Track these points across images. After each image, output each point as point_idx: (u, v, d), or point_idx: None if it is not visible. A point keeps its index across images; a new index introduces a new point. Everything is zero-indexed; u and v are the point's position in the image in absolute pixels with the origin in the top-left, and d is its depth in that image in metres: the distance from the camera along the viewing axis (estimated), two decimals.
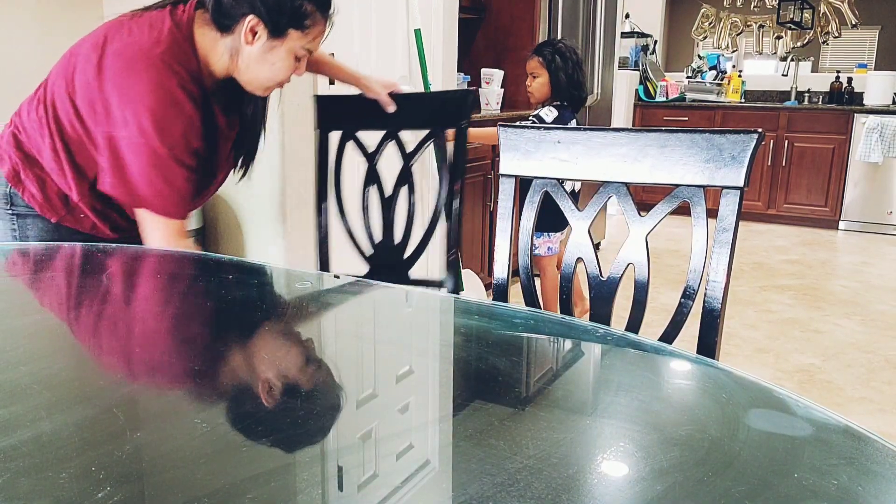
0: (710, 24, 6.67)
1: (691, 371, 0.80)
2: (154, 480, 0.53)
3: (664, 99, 6.14)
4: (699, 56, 6.68)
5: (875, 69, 6.15)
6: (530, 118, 2.75)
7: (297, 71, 1.36)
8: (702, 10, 6.68)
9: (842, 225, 5.55)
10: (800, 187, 5.54)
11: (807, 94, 5.94)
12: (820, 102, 5.81)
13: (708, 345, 1.07)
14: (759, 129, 1.06)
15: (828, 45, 6.55)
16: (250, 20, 1.26)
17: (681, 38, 7.23)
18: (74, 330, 0.87)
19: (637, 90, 6.17)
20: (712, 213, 1.03)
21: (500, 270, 1.27)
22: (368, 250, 1.62)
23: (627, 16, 5.99)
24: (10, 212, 1.34)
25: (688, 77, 6.43)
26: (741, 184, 1.05)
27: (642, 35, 6.13)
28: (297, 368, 0.78)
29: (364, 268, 1.61)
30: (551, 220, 2.32)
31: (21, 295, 1.00)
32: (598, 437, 0.63)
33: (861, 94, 5.73)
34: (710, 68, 6.41)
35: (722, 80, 6.24)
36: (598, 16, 4.07)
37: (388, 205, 1.60)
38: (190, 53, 1.28)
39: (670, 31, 7.30)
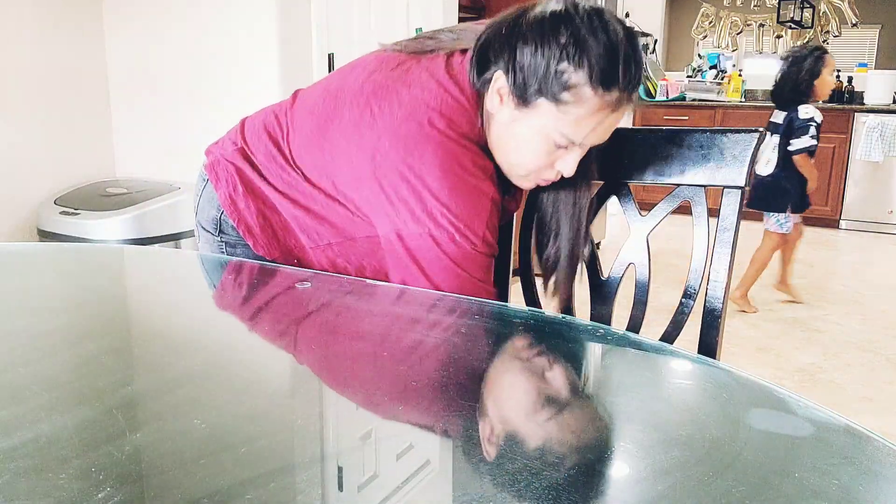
0: (710, 23, 6.66)
1: (691, 370, 0.80)
2: (154, 481, 0.53)
3: (664, 98, 6.14)
4: (699, 55, 6.68)
5: (875, 68, 6.15)
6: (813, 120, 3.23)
7: (561, 164, 0.98)
8: (702, 10, 6.67)
9: (843, 224, 5.55)
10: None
11: None
12: (820, 101, 5.80)
13: (709, 344, 1.07)
14: (760, 128, 1.06)
15: (828, 44, 6.54)
16: (498, 79, 0.95)
17: (681, 38, 7.23)
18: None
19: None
20: (713, 212, 1.03)
21: (501, 270, 1.27)
22: None
23: (627, 15, 5.99)
24: (219, 239, 1.17)
25: (688, 76, 6.44)
26: (742, 183, 1.05)
27: (642, 34, 6.13)
28: (296, 368, 0.78)
29: None
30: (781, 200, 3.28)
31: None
32: (598, 437, 0.63)
33: (861, 93, 5.73)
34: (711, 67, 6.41)
35: (722, 79, 6.24)
36: None
37: None
38: (476, 121, 0.99)
39: (670, 31, 7.30)
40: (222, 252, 1.18)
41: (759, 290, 3.80)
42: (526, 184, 1.05)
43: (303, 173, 1.08)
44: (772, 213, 3.37)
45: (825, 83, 3.27)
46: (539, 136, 0.95)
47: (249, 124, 1.18)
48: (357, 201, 1.03)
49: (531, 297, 1.26)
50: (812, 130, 3.24)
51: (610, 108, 0.93)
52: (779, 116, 3.36)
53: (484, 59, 0.97)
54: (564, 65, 0.89)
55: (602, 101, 0.91)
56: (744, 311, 3.47)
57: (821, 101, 3.47)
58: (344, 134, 1.01)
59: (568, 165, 0.98)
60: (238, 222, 1.13)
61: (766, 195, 3.37)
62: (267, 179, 1.11)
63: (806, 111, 3.25)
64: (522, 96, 0.93)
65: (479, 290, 1.01)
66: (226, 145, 1.18)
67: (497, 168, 1.02)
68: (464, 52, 1.02)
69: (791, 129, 3.27)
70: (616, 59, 0.89)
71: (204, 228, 1.21)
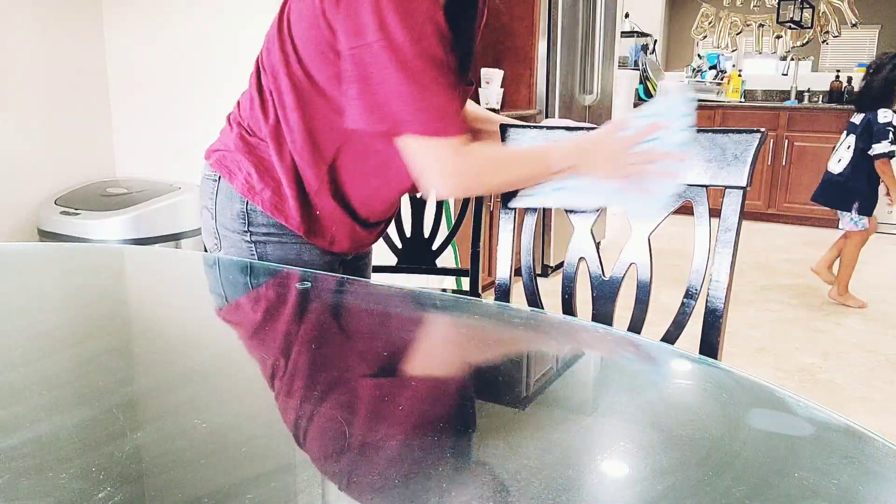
0: (709, 23, 6.66)
1: (692, 371, 0.80)
2: (154, 480, 0.53)
3: None
4: (699, 55, 6.68)
5: None
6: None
7: None
8: (702, 10, 6.67)
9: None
10: (800, 186, 5.54)
11: (807, 94, 5.94)
12: (820, 102, 5.80)
13: (710, 344, 1.07)
14: (762, 129, 1.06)
15: (828, 44, 6.55)
16: None
17: (681, 38, 7.23)
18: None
19: (637, 89, 6.17)
20: (714, 212, 1.03)
21: (503, 270, 1.27)
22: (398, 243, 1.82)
23: (627, 15, 5.99)
24: (247, 236, 1.16)
25: (688, 76, 6.43)
26: (744, 183, 1.05)
27: (642, 34, 6.13)
28: (295, 368, 0.78)
29: (393, 259, 1.80)
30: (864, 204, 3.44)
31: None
32: (598, 437, 0.63)
33: None
34: (710, 68, 6.41)
35: (722, 79, 6.24)
36: (597, 15, 4.07)
37: (420, 203, 1.78)
38: None
39: (670, 31, 7.30)
40: (251, 255, 1.16)
41: (759, 290, 3.80)
42: None
43: (276, 82, 1.10)
44: (844, 213, 3.52)
45: None
46: None
47: (236, 107, 1.22)
48: (317, 58, 1.05)
49: (532, 298, 1.26)
50: (891, 136, 3.38)
51: None
52: (857, 118, 3.49)
53: None
54: None
55: None
56: (848, 306, 3.58)
57: None
58: None
59: None
60: (263, 204, 1.13)
61: (833, 193, 3.54)
62: (260, 131, 1.13)
63: (885, 115, 3.37)
64: None
65: (428, 97, 0.99)
66: (222, 138, 1.20)
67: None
68: None
69: (868, 132, 3.40)
70: None
71: (229, 230, 1.18)
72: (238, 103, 1.23)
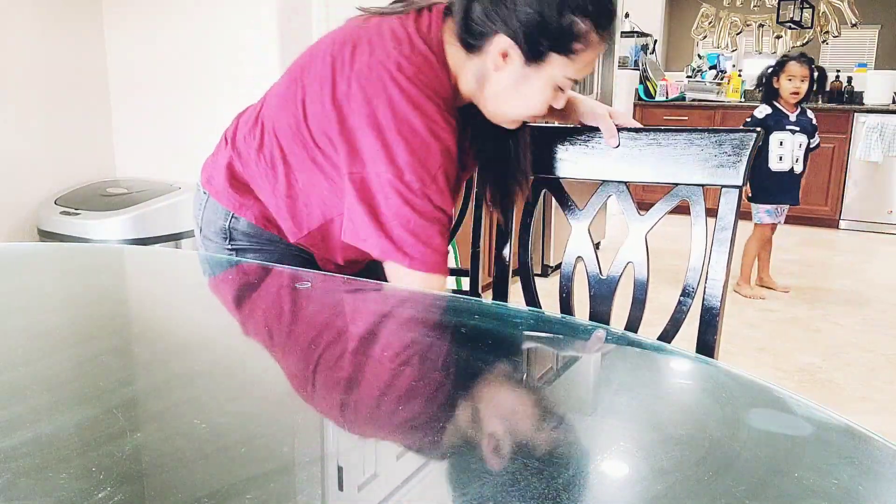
0: (709, 23, 6.66)
1: (691, 370, 0.80)
2: (154, 480, 0.53)
3: (664, 98, 6.14)
4: (699, 55, 6.68)
5: (875, 68, 6.15)
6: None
7: (555, 102, 1.06)
8: (701, 10, 6.67)
9: (842, 224, 5.55)
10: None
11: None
12: (820, 102, 5.80)
13: (707, 343, 1.07)
14: (758, 129, 1.06)
15: (827, 44, 6.55)
16: (500, 41, 1.00)
17: (681, 38, 7.23)
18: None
19: (637, 89, 6.17)
20: (711, 212, 1.04)
21: (500, 269, 1.27)
22: None
23: (627, 15, 5.99)
24: (229, 248, 1.19)
25: (688, 76, 6.43)
26: (740, 182, 1.06)
27: (642, 34, 6.13)
28: (296, 368, 0.78)
29: None
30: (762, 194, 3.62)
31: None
32: (598, 437, 0.63)
33: (861, 93, 5.72)
34: (710, 67, 6.41)
35: (722, 79, 6.24)
36: None
37: None
38: (444, 77, 1.04)
39: (670, 31, 7.29)
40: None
41: (760, 291, 3.80)
42: (513, 126, 1.11)
43: (278, 141, 1.10)
44: (779, 207, 3.73)
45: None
46: (548, 86, 1.03)
47: (234, 127, 1.21)
48: (325, 146, 1.06)
49: (531, 298, 1.26)
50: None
51: (604, 45, 1.02)
52: (793, 117, 3.64)
53: (471, 25, 1.01)
54: (569, 17, 0.96)
55: (602, 40, 1.01)
56: (746, 296, 3.73)
57: None
58: (318, 77, 1.05)
59: (561, 102, 1.07)
60: (252, 217, 1.16)
61: (797, 191, 3.71)
62: (254, 169, 1.14)
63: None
64: (534, 54, 0.99)
65: (429, 234, 1.03)
66: (216, 155, 1.22)
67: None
68: (429, 9, 1.06)
69: (812, 127, 3.67)
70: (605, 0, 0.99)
71: (211, 241, 1.22)
72: (236, 126, 1.21)
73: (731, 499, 0.51)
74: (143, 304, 1.01)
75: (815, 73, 3.52)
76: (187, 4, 2.55)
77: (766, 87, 3.60)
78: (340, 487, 0.53)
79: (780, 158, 3.55)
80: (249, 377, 0.74)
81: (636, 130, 1.15)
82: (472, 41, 1.02)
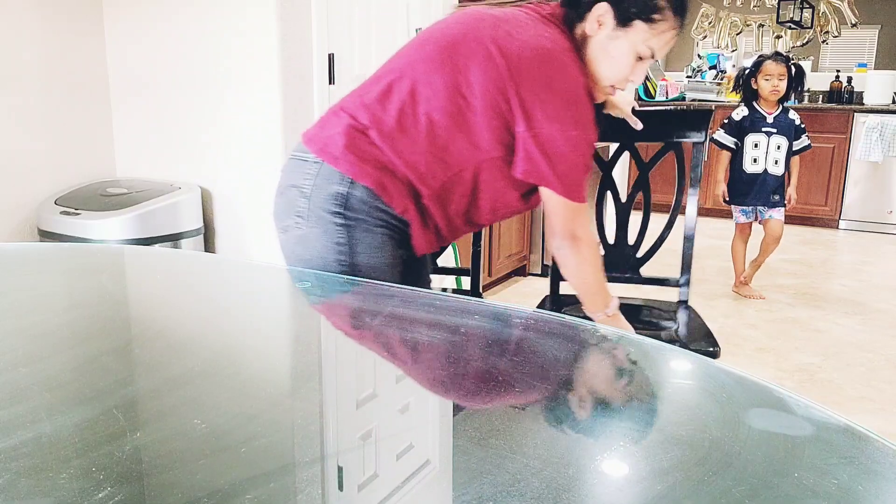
0: (709, 23, 6.66)
1: (691, 370, 0.80)
2: (154, 480, 0.53)
3: (664, 98, 6.14)
4: (699, 55, 6.68)
5: (875, 68, 6.15)
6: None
7: (634, 75, 1.28)
8: (701, 10, 6.67)
9: (842, 224, 5.55)
10: (800, 186, 5.52)
11: (807, 94, 5.93)
12: (820, 102, 5.80)
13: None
14: (711, 108, 1.17)
15: (827, 44, 6.55)
16: (599, 8, 1.23)
17: (680, 38, 7.22)
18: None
19: (637, 89, 6.17)
20: (664, 208, 1.04)
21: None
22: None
23: None
24: (338, 218, 1.22)
25: (688, 76, 6.43)
26: (701, 140, 1.60)
27: None
28: (296, 368, 0.78)
29: None
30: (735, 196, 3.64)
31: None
32: (598, 437, 0.63)
33: (861, 93, 5.72)
34: (710, 67, 6.41)
35: (722, 79, 6.24)
36: None
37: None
38: (575, 51, 1.25)
39: None
40: (338, 236, 1.21)
41: (759, 289, 3.80)
42: (602, 96, 1.32)
43: (428, 103, 1.22)
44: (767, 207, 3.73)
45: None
46: (632, 51, 1.24)
47: (351, 104, 1.26)
48: (482, 108, 1.21)
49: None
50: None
51: (678, 28, 1.27)
52: (771, 118, 3.66)
53: None
54: None
55: (676, 21, 1.26)
56: (747, 297, 3.71)
57: None
58: (480, 45, 1.21)
59: (639, 76, 1.28)
60: (370, 181, 1.21)
61: (782, 192, 3.73)
62: (393, 128, 1.22)
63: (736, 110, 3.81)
64: (623, 19, 1.22)
65: (581, 186, 1.26)
66: (328, 126, 1.26)
67: None
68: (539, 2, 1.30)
69: (795, 130, 3.68)
70: None
71: (322, 210, 1.22)
72: (356, 98, 1.27)
73: (730, 499, 0.51)
74: (142, 305, 1.01)
75: (793, 71, 3.51)
76: (187, 5, 2.55)
77: (745, 89, 3.62)
78: (340, 487, 0.53)
79: (755, 160, 3.56)
80: (249, 377, 0.74)
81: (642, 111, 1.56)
82: (579, 10, 1.24)
